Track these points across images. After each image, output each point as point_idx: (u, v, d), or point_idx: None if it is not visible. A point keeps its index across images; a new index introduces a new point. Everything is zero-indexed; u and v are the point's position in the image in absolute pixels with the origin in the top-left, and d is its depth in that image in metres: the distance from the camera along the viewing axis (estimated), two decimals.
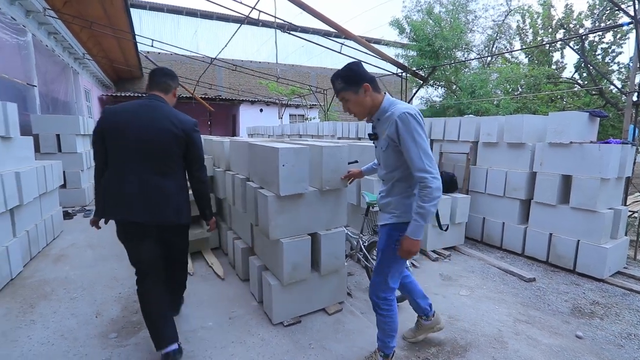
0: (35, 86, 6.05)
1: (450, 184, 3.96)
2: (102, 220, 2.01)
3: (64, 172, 5.08)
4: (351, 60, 1.87)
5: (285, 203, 2.18)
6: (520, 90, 11.25)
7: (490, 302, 2.73)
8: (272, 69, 18.89)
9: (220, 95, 17.01)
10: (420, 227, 1.53)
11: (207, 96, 15.58)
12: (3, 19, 4.95)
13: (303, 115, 18.00)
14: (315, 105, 18.12)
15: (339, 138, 7.13)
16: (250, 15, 4.92)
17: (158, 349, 1.85)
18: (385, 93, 1.65)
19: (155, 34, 16.16)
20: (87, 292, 2.71)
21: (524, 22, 12.35)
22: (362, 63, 1.74)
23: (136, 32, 9.03)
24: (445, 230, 3.75)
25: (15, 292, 2.69)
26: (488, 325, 2.40)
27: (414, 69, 7.51)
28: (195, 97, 13.37)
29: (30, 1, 5.42)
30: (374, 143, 1.79)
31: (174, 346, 1.85)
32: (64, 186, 5.33)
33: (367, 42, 5.48)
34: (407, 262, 2.29)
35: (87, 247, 3.70)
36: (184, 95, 14.82)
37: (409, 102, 7.04)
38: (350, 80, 1.60)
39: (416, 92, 7.47)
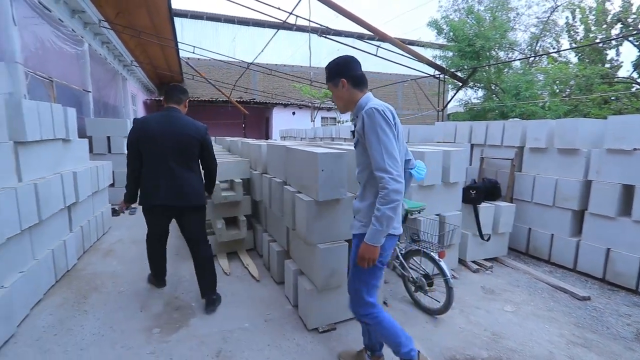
0: (90, 92, 6.55)
1: (492, 191, 3.75)
2: (140, 207, 2.53)
3: (112, 171, 5.44)
4: (389, 62, 1.84)
5: (323, 208, 2.16)
6: (568, 91, 10.46)
7: (539, 321, 2.53)
8: (305, 73, 19.12)
9: (254, 99, 17.48)
10: (377, 232, 1.43)
11: (242, 99, 16.08)
12: (65, 31, 5.41)
13: (335, 118, 18.03)
14: None
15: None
16: (286, 21, 5.00)
17: (158, 282, 2.82)
18: (367, 92, 1.63)
19: (196, 40, 16.91)
20: (132, 287, 2.86)
21: (573, 18, 11.51)
22: (400, 65, 1.71)
23: (178, 40, 9.53)
24: (487, 240, 3.56)
25: (71, 283, 2.90)
26: (538, 345, 2.22)
27: (452, 70, 7.21)
28: (231, 100, 13.84)
29: (88, 14, 5.88)
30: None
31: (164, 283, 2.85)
32: (112, 185, 5.70)
33: (403, 44, 5.37)
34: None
35: (131, 244, 3.92)
36: (221, 99, 15.41)
37: (445, 105, 6.80)
38: (331, 73, 1.62)
39: (455, 94, 7.17)
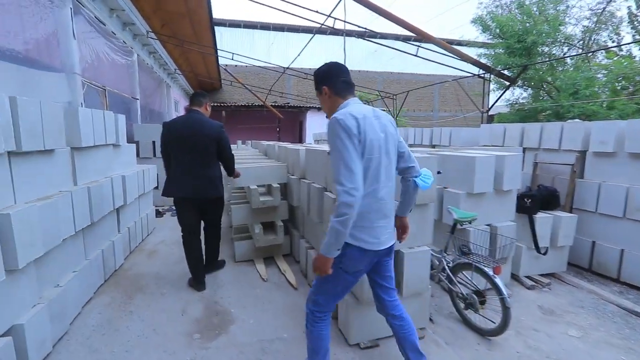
0: (138, 99, 6.95)
1: (550, 200, 3.40)
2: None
3: (157, 174, 5.70)
4: (427, 63, 1.70)
5: None
6: (631, 88, 9.37)
7: (612, 350, 2.22)
8: None
9: (288, 103, 17.72)
10: (328, 245, 1.40)
11: (276, 104, 16.37)
12: (117, 42, 5.78)
13: None
14: (381, 110, 17.71)
15: (410, 145, 6.78)
16: (324, 24, 4.95)
17: (197, 284, 2.91)
18: (350, 98, 1.58)
19: (233, 48, 17.51)
20: (174, 289, 2.92)
21: (638, 7, 10.38)
22: (442, 65, 1.57)
23: (218, 47, 9.89)
24: (544, 254, 3.23)
25: (118, 282, 3.02)
26: None
27: (499, 68, 6.70)
28: (266, 105, 14.12)
29: (137, 26, 6.24)
30: None
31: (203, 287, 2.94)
32: (156, 187, 5.97)
33: (447, 44, 5.11)
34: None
35: (174, 245, 4.04)
36: (256, 104, 15.81)
37: (491, 106, 6.36)
38: (315, 80, 1.65)
39: (502, 94, 6.71)
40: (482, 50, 10.76)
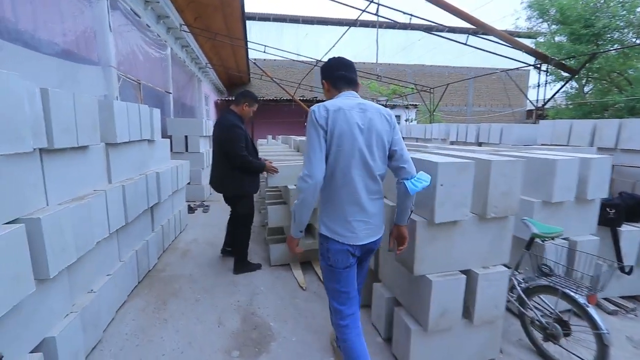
0: (171, 93, 6.91)
1: (636, 210, 2.90)
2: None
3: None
4: (462, 54, 1.36)
5: (438, 231, 1.72)
6: None
7: None
8: (369, 69, 18.55)
9: (316, 97, 17.44)
10: (292, 226, 1.58)
11: (304, 98, 16.11)
12: (151, 35, 5.71)
13: (399, 117, 17.15)
14: (413, 105, 17.06)
15: (451, 143, 6.30)
16: (366, 10, 4.59)
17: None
18: (346, 91, 1.59)
19: (262, 41, 17.45)
20: (208, 295, 2.74)
21: None
22: (493, 54, 1.18)
23: (248, 40, 9.75)
24: (629, 273, 2.75)
25: (152, 285, 2.89)
26: None
27: (556, 58, 5.91)
28: (295, 99, 13.91)
29: (171, 19, 6.15)
30: None
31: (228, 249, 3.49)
32: (188, 183, 5.92)
33: (503, 33, 4.60)
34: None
35: (207, 245, 3.89)
36: (284, 98, 15.65)
37: (548, 100, 5.70)
38: (320, 74, 1.69)
39: (562, 87, 6.02)
40: (537, 39, 9.69)
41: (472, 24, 4.49)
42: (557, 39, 8.64)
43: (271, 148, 6.16)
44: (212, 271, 3.19)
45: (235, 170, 2.86)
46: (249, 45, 8.99)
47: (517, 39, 5.39)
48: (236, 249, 3.21)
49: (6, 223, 1.40)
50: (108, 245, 2.32)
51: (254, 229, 4.55)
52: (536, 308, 2.09)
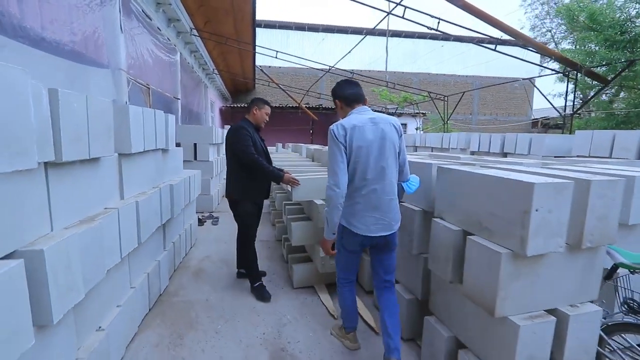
0: (179, 99, 6.67)
1: None
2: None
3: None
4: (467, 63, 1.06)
5: (525, 264, 1.42)
6: None
7: None
8: (380, 77, 18.44)
9: (321, 105, 17.25)
10: (325, 230, 1.87)
11: (308, 105, 15.91)
12: (162, 39, 5.49)
13: (405, 125, 16.95)
14: (422, 113, 16.86)
15: (472, 153, 6.02)
16: (393, 13, 4.36)
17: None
18: (358, 106, 1.89)
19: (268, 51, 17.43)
20: (229, 326, 2.42)
21: None
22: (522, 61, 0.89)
23: (257, 45, 9.56)
24: None
25: (164, 312, 2.57)
26: None
27: (587, 65, 5.59)
28: (301, 107, 13.72)
29: (182, 22, 5.94)
30: None
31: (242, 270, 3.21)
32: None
33: (531, 39, 4.36)
34: None
35: (221, 263, 3.58)
36: (290, 105, 15.46)
37: (579, 109, 5.42)
38: (332, 95, 1.98)
39: (594, 95, 5.75)
40: (567, 46, 9.28)
41: (504, 31, 4.25)
42: (587, 46, 8.30)
43: (284, 156, 5.89)
44: (229, 295, 2.87)
45: (244, 172, 2.72)
46: (259, 50, 8.79)
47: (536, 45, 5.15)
48: (247, 265, 2.97)
49: (1, 258, 1.10)
50: (119, 272, 2.02)
51: (269, 244, 4.27)
52: (621, 350, 1.78)
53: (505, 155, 5.23)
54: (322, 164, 4.46)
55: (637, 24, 7.12)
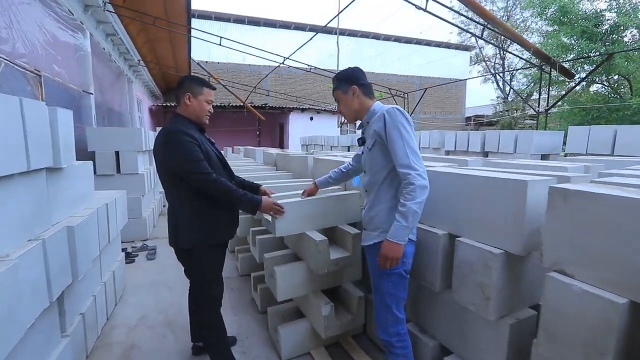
0: (92, 94, 5.12)
1: None
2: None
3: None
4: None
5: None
6: None
7: None
8: (329, 75, 17.82)
9: (266, 104, 16.09)
10: (401, 229, 1.37)
11: (253, 104, 14.66)
12: (58, 10, 4.00)
13: (356, 124, 16.66)
14: None
15: (447, 153, 5.61)
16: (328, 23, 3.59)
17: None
18: (375, 100, 1.63)
19: (202, 42, 15.59)
20: None
21: None
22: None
23: (192, 35, 8.12)
24: None
25: None
26: None
27: (560, 59, 5.46)
28: (247, 106, 12.48)
29: None
30: (361, 150, 1.74)
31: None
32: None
33: (510, 27, 3.99)
34: None
35: (165, 328, 2.44)
36: (233, 104, 14.02)
37: (552, 105, 5.35)
38: (342, 80, 1.63)
39: (569, 91, 5.70)
40: (535, 39, 9.25)
41: (484, 17, 3.79)
42: (559, 39, 8.45)
43: (239, 163, 4.80)
44: None
45: (197, 203, 1.70)
46: (199, 36, 7.40)
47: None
48: (209, 347, 1.90)
49: None
50: None
51: (231, 282, 3.16)
52: None
53: (486, 154, 4.87)
54: (295, 174, 3.53)
55: (607, 18, 7.50)
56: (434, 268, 1.62)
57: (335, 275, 2.13)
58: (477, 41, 21.63)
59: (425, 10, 3.90)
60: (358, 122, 1.72)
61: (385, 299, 1.52)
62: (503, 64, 21.54)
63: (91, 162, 2.33)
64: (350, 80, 1.60)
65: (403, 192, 1.38)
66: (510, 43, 20.22)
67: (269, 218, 1.94)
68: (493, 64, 22.17)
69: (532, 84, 13.70)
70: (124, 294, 2.97)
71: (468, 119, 24.20)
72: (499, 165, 2.47)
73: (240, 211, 2.01)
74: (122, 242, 4.27)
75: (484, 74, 21.21)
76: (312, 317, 2.11)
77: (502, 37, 18.61)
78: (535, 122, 17.07)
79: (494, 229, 1.36)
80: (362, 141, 1.67)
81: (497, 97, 21.38)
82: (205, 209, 1.71)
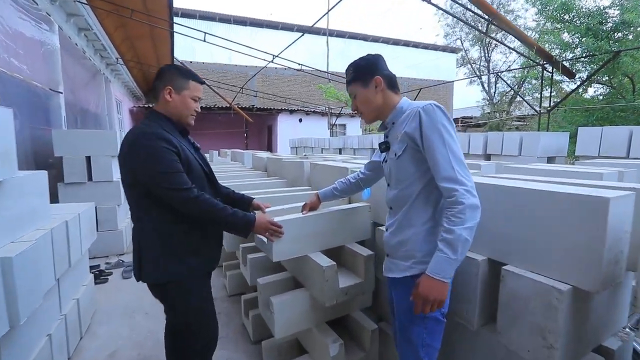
0: (61, 93, 4.64)
1: None
2: None
3: (95, 208, 3.54)
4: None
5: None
6: None
7: None
8: (317, 74, 17.49)
9: (254, 105, 15.66)
10: (448, 262, 1.04)
11: (240, 105, 14.20)
12: (23, 2, 3.54)
13: (344, 126, 16.43)
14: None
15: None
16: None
17: None
18: (402, 99, 1.28)
19: (188, 41, 14.99)
20: None
21: None
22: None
23: (175, 31, 7.66)
24: None
25: None
26: None
27: (563, 58, 5.27)
28: (234, 108, 12.05)
29: None
30: (383, 158, 1.37)
31: None
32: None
33: (512, 24, 3.77)
34: None
35: None
36: (220, 106, 13.54)
37: (556, 105, 5.15)
38: (361, 70, 1.26)
39: (573, 91, 5.54)
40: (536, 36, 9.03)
41: (488, 13, 3.55)
42: (565, 37, 8.25)
43: (226, 169, 4.42)
44: None
45: (174, 226, 1.35)
46: (183, 31, 6.94)
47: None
48: None
49: None
50: None
51: (221, 304, 2.75)
52: None
53: (488, 157, 4.64)
54: (289, 181, 3.18)
55: (611, 15, 7.41)
56: (471, 301, 1.32)
57: (344, 304, 1.80)
58: (462, 43, 21.79)
59: (429, 2, 3.64)
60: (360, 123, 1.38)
61: (418, 350, 1.19)
62: (488, 66, 21.75)
63: (44, 172, 1.91)
64: (371, 70, 1.24)
65: (448, 214, 1.07)
66: (496, 45, 20.48)
67: (264, 239, 1.59)
68: (478, 66, 22.39)
69: (522, 83, 13.74)
70: (92, 324, 2.55)
71: (455, 120, 24.38)
72: (520, 170, 2.21)
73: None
74: (95, 257, 3.85)
75: (470, 77, 21.35)
76: (316, 356, 1.76)
77: (489, 39, 18.69)
78: (522, 123, 17.28)
79: (558, 258, 1.06)
80: (385, 146, 1.32)
81: (483, 99, 21.57)
82: (181, 235, 1.35)
